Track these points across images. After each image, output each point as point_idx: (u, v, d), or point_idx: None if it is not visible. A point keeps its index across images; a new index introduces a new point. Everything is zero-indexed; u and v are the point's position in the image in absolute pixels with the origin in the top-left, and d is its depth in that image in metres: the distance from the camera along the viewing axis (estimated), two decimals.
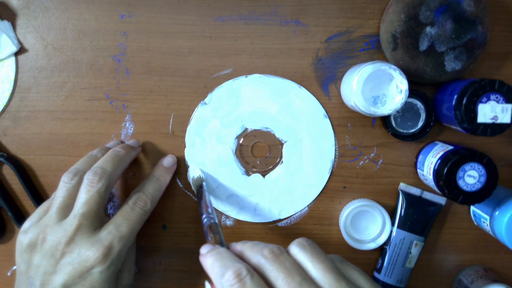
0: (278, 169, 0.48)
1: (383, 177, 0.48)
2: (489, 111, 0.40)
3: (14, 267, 0.49)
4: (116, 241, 0.39)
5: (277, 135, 0.48)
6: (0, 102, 0.48)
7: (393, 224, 0.47)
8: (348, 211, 0.46)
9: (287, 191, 0.48)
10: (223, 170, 0.48)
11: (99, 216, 0.39)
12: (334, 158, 0.47)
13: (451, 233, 0.48)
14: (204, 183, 0.45)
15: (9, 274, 0.49)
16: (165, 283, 0.49)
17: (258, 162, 0.48)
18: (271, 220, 0.48)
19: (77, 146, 0.48)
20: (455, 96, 0.40)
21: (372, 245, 0.46)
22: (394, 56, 0.44)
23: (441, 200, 0.47)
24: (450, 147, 0.42)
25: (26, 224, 0.40)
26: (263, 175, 0.48)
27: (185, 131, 0.48)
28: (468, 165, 0.40)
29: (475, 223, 0.47)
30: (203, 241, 0.48)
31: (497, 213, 0.41)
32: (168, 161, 0.47)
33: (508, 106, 0.39)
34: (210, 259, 0.32)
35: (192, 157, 0.48)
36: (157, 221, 0.49)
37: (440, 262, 0.48)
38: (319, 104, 0.47)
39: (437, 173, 0.41)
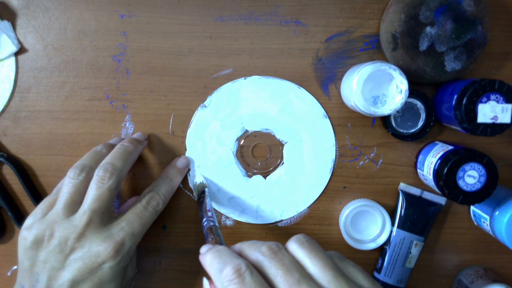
0: (279, 170, 0.48)
1: (383, 177, 0.48)
2: (489, 111, 0.40)
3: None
4: (128, 237, 0.39)
5: (278, 136, 0.48)
6: (0, 102, 0.48)
7: (393, 224, 0.47)
8: (348, 211, 0.46)
9: (288, 192, 0.48)
10: (224, 173, 0.48)
11: (109, 212, 0.40)
12: (335, 158, 0.47)
13: (451, 233, 0.48)
14: (206, 189, 0.45)
15: (9, 274, 0.49)
16: (165, 283, 0.49)
17: (259, 163, 0.48)
18: (273, 221, 0.48)
19: (77, 146, 0.48)
20: (455, 96, 0.40)
21: (372, 245, 0.46)
22: (394, 56, 0.44)
23: (441, 200, 0.47)
24: (450, 147, 0.42)
25: (29, 220, 0.40)
26: (264, 177, 0.48)
27: (185, 131, 0.48)
28: (468, 165, 0.40)
29: (475, 223, 0.47)
30: (203, 241, 0.48)
31: (497, 213, 0.41)
32: (182, 162, 0.47)
33: (508, 106, 0.39)
34: (209, 256, 0.32)
35: (193, 160, 0.48)
36: (157, 221, 0.48)
37: (440, 262, 0.48)
38: (319, 104, 0.47)
39: (437, 173, 0.41)
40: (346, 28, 0.46)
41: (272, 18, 0.47)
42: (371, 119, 0.47)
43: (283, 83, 0.47)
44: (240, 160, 0.48)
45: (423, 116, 0.45)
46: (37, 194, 0.48)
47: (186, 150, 0.48)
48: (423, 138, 0.46)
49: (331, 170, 0.48)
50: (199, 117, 0.48)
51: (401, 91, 0.40)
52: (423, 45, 0.43)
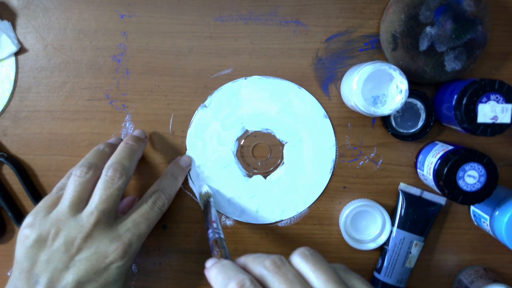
0: (279, 170, 0.48)
1: (383, 177, 0.48)
2: (489, 111, 0.40)
3: None
4: (135, 238, 0.39)
5: (278, 136, 0.48)
6: (0, 102, 0.48)
7: (393, 224, 0.47)
8: (348, 211, 0.46)
9: (288, 192, 0.48)
10: (225, 172, 0.48)
11: (115, 211, 0.39)
12: (335, 158, 0.47)
13: (451, 233, 0.48)
14: (211, 199, 0.45)
15: (9, 274, 0.49)
16: (165, 283, 0.49)
17: (259, 163, 0.48)
18: (273, 221, 0.48)
19: (77, 146, 0.48)
20: (455, 96, 0.40)
21: (372, 245, 0.46)
22: (394, 56, 0.44)
23: (441, 200, 0.47)
24: (450, 147, 0.42)
25: (30, 218, 0.38)
26: (264, 177, 0.48)
27: (185, 131, 0.48)
28: (468, 165, 0.40)
29: (475, 223, 0.47)
30: (203, 241, 0.48)
31: (497, 213, 0.41)
32: (186, 161, 0.47)
33: (508, 106, 0.39)
34: (214, 271, 0.32)
35: (193, 159, 0.48)
36: (158, 221, 0.48)
37: (440, 262, 0.48)
38: (319, 104, 0.47)
39: (437, 173, 0.41)
40: (346, 28, 0.46)
41: (272, 18, 0.47)
42: (371, 119, 0.47)
43: (283, 83, 0.47)
44: (240, 160, 0.48)
45: (423, 116, 0.45)
46: (37, 194, 0.48)
47: (186, 150, 0.48)
48: (423, 138, 0.46)
49: (331, 170, 0.48)
50: (199, 117, 0.48)
51: (401, 91, 0.40)
52: (423, 45, 0.43)
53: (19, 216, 0.48)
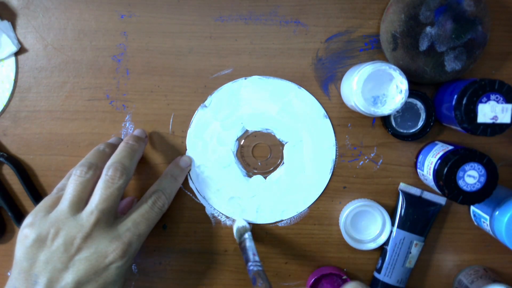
0: (279, 170, 0.48)
1: (383, 177, 0.48)
2: (489, 111, 0.40)
3: None
4: (135, 238, 0.39)
5: (278, 136, 0.48)
6: (0, 102, 0.48)
7: (393, 224, 0.47)
8: (348, 211, 0.46)
9: (289, 192, 0.48)
10: (225, 172, 0.48)
11: (115, 211, 0.39)
12: (335, 158, 0.47)
13: (451, 233, 0.48)
14: (249, 233, 0.45)
15: (9, 274, 0.49)
16: (165, 283, 0.49)
17: (259, 163, 0.48)
18: (273, 221, 0.48)
19: (77, 146, 0.48)
20: (455, 96, 0.40)
21: (372, 245, 0.46)
22: (394, 56, 0.44)
23: (441, 200, 0.47)
24: (450, 147, 0.42)
25: (30, 218, 0.38)
26: (264, 177, 0.48)
27: (185, 131, 0.48)
28: (468, 165, 0.40)
29: (475, 223, 0.47)
30: (203, 241, 0.48)
31: (497, 213, 0.41)
32: (185, 161, 0.47)
33: (508, 106, 0.39)
34: None
35: (193, 159, 0.48)
36: (158, 221, 0.48)
37: (440, 262, 0.48)
38: (319, 104, 0.47)
39: (437, 173, 0.41)
40: (346, 28, 0.46)
41: (272, 18, 0.47)
42: (371, 119, 0.47)
43: (283, 83, 0.47)
44: (240, 160, 0.48)
45: (423, 116, 0.45)
46: (37, 194, 0.48)
47: (186, 150, 0.48)
48: (423, 138, 0.46)
49: (331, 170, 0.48)
50: (199, 117, 0.48)
51: (401, 91, 0.40)
52: (423, 45, 0.43)
53: (19, 216, 0.48)
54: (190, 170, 0.48)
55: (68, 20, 0.47)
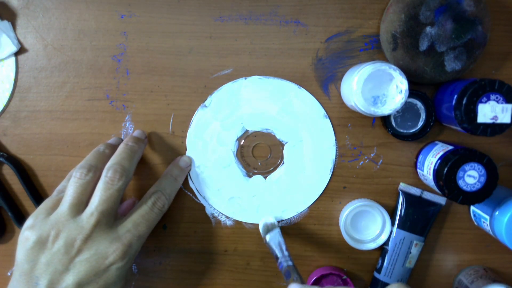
0: (279, 170, 0.48)
1: (383, 177, 0.48)
2: (489, 111, 0.40)
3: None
4: (135, 240, 0.39)
5: (278, 136, 0.48)
6: (0, 102, 0.48)
7: (393, 224, 0.47)
8: (348, 211, 0.46)
9: (289, 192, 0.48)
10: (225, 172, 0.48)
11: (115, 212, 0.39)
12: (335, 158, 0.47)
13: (451, 233, 0.48)
14: (277, 229, 0.45)
15: (9, 274, 0.49)
16: (165, 283, 0.49)
17: (259, 163, 0.48)
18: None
19: (77, 146, 0.48)
20: (455, 96, 0.40)
21: (372, 245, 0.46)
22: (394, 56, 0.44)
23: (441, 200, 0.47)
24: (450, 147, 0.42)
25: (30, 220, 0.38)
26: (264, 177, 0.48)
27: (185, 131, 0.48)
28: (468, 165, 0.40)
29: (475, 223, 0.47)
30: (203, 241, 0.48)
31: (497, 213, 0.41)
32: (185, 161, 0.47)
33: (508, 106, 0.39)
34: None
35: (193, 159, 0.48)
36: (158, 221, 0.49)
37: (440, 262, 0.48)
38: (319, 104, 0.47)
39: (437, 173, 0.41)
40: (346, 28, 0.46)
41: (272, 18, 0.47)
42: (371, 119, 0.47)
43: (283, 83, 0.47)
44: (240, 160, 0.48)
45: (423, 116, 0.45)
46: (37, 194, 0.48)
47: (186, 150, 0.48)
48: (423, 138, 0.46)
49: (331, 170, 0.48)
50: (199, 117, 0.48)
51: (401, 91, 0.40)
52: (423, 45, 0.43)
53: (19, 216, 0.48)
54: (190, 170, 0.48)
55: (68, 20, 0.47)
